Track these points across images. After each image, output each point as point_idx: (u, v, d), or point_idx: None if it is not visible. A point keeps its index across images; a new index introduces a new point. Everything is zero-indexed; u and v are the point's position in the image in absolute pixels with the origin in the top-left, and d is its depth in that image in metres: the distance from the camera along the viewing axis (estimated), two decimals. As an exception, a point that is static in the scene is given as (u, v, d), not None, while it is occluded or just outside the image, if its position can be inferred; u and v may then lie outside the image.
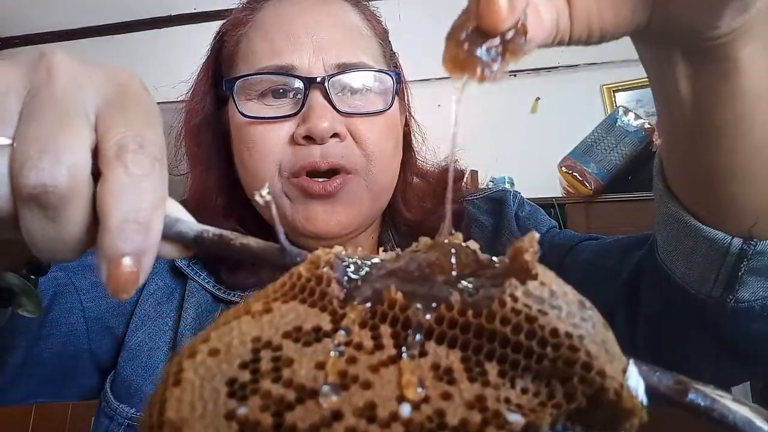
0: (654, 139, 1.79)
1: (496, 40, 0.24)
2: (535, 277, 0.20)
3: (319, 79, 0.53)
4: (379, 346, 0.20)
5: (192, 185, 0.64)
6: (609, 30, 0.29)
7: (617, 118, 1.85)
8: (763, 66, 0.31)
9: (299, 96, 0.54)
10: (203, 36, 0.67)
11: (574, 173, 1.84)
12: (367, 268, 0.23)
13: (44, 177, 0.22)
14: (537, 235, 0.21)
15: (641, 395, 0.20)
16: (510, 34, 0.24)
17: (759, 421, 0.20)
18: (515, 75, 2.34)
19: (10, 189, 0.23)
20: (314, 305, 0.22)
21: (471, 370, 0.19)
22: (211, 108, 0.62)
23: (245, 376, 0.19)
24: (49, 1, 2.51)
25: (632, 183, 1.82)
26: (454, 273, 0.21)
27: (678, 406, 0.21)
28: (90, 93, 0.25)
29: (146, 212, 0.23)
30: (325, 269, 0.22)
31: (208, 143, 0.62)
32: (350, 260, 0.23)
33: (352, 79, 0.56)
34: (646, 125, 1.81)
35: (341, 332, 0.20)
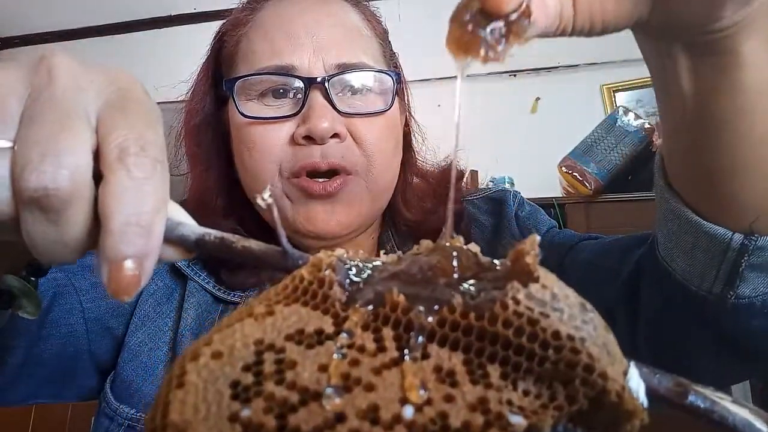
0: (654, 139, 1.79)
1: (500, 22, 0.24)
2: (536, 280, 0.20)
3: (319, 79, 0.53)
4: (381, 348, 0.20)
5: (192, 185, 0.64)
6: (611, 22, 0.29)
7: (617, 118, 1.85)
8: (764, 60, 0.31)
9: (299, 96, 0.54)
10: (203, 36, 0.67)
11: (574, 173, 1.84)
12: (368, 271, 0.23)
13: (46, 180, 0.22)
14: (538, 238, 0.21)
15: (642, 397, 0.20)
16: (514, 16, 0.24)
17: (759, 423, 0.20)
18: (515, 75, 2.34)
19: (12, 192, 0.23)
20: (316, 308, 0.22)
21: (473, 373, 0.19)
22: (211, 108, 0.62)
23: (248, 378, 0.19)
24: (49, 1, 2.51)
25: (632, 183, 1.82)
26: (455, 276, 0.21)
27: (678, 408, 0.21)
28: (91, 95, 0.25)
29: (148, 215, 0.23)
30: (328, 272, 0.22)
31: (208, 143, 0.62)
32: (352, 263, 0.23)
33: (353, 79, 0.56)
34: (646, 125, 1.81)
35: (344, 335, 0.20)
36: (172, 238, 0.26)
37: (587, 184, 1.82)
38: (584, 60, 2.27)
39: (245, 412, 0.19)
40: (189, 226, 0.26)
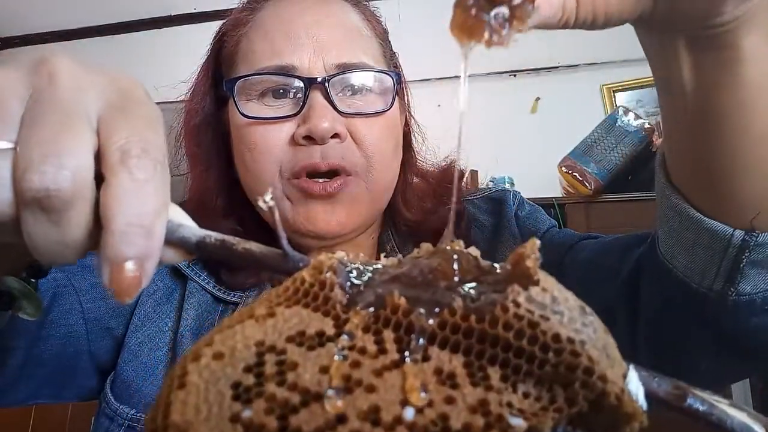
0: (654, 139, 1.79)
1: (504, 7, 0.24)
2: (536, 283, 0.20)
3: (319, 80, 0.53)
4: (382, 350, 0.20)
5: (192, 185, 0.64)
6: (614, 15, 0.29)
7: (617, 118, 1.85)
8: (765, 54, 0.31)
9: (299, 96, 0.54)
10: (203, 36, 0.67)
11: (574, 173, 1.84)
12: (369, 274, 0.23)
13: (47, 181, 0.22)
14: (538, 242, 0.21)
15: (641, 400, 0.20)
16: (517, 1, 0.25)
17: (756, 427, 0.20)
18: (515, 75, 2.34)
19: (13, 193, 0.23)
20: (317, 310, 0.22)
21: (474, 375, 0.20)
22: (211, 108, 0.62)
23: (250, 379, 0.20)
24: (49, 1, 2.51)
25: (632, 183, 1.82)
26: (456, 279, 0.22)
27: (677, 411, 0.21)
28: (92, 96, 0.25)
29: (150, 216, 0.23)
30: (329, 274, 0.22)
31: (208, 143, 0.62)
32: (353, 265, 0.23)
33: (353, 79, 0.56)
34: (646, 125, 1.81)
35: (344, 337, 0.21)
36: (172, 240, 0.26)
37: (587, 184, 1.82)
38: (584, 60, 2.27)
39: (246, 413, 0.19)
40: (190, 228, 0.26)
